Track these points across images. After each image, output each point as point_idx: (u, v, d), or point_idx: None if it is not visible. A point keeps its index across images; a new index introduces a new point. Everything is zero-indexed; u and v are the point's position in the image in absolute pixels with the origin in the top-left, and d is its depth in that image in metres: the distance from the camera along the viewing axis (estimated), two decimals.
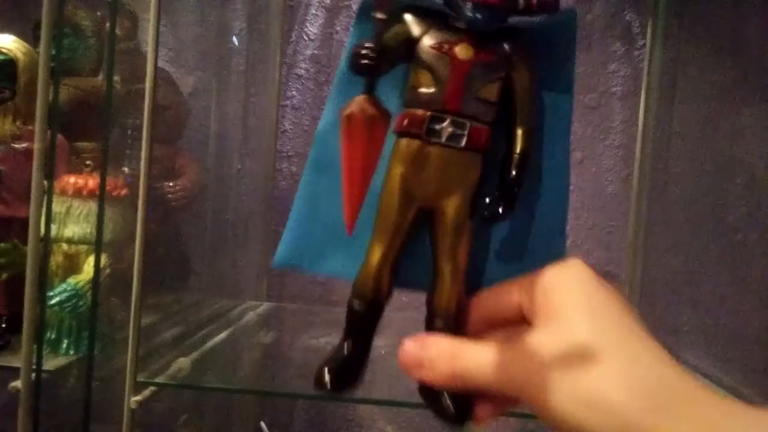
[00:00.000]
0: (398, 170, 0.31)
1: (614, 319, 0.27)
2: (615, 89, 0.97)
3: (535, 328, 0.28)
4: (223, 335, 0.79)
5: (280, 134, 1.00)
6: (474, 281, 0.33)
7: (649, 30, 0.89)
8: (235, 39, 1.00)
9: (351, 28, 0.34)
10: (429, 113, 0.31)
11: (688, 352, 0.78)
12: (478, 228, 0.33)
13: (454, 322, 0.32)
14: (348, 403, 0.97)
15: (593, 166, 0.98)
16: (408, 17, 0.32)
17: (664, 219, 0.90)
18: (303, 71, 1.01)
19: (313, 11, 1.01)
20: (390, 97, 0.32)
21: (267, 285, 1.00)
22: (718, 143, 0.89)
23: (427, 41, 0.31)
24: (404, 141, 0.31)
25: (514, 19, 0.31)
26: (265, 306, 0.96)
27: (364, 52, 0.27)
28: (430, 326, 0.32)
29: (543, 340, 0.27)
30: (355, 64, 0.28)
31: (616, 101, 0.97)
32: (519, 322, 0.30)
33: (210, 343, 0.74)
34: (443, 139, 0.31)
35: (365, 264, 0.32)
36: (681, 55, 0.91)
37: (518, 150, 0.32)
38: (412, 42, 0.31)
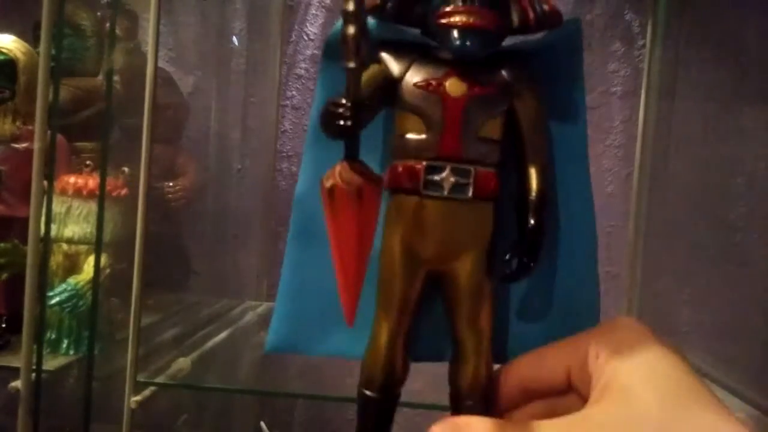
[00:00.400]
0: (396, 233, 0.27)
1: (682, 392, 0.23)
2: (615, 89, 0.97)
3: (594, 404, 0.24)
4: (223, 335, 0.79)
5: (280, 134, 1.00)
6: (499, 346, 0.29)
7: (649, 30, 0.89)
8: (235, 39, 1.00)
9: (318, 75, 0.29)
10: (424, 163, 0.26)
11: (688, 352, 0.77)
12: (497, 287, 0.28)
13: (484, 399, 0.28)
14: (348, 403, 0.96)
15: (593, 166, 0.98)
16: (384, 56, 0.27)
17: (664, 219, 0.90)
18: (303, 71, 1.01)
19: (313, 11, 1.01)
20: (372, 146, 0.28)
21: (267, 285, 1.00)
22: (718, 143, 0.89)
23: (411, 79, 0.27)
24: (399, 198, 0.27)
25: (509, 40, 0.28)
26: (265, 306, 0.96)
27: (338, 111, 0.23)
28: (457, 406, 0.28)
29: (606, 419, 0.23)
30: (328, 127, 0.24)
31: (616, 101, 0.97)
32: (562, 392, 0.26)
33: (210, 343, 0.74)
34: (445, 192, 0.26)
35: (372, 344, 0.28)
36: (681, 55, 0.91)
37: (534, 192, 0.27)
38: (393, 83, 0.27)
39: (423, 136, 0.27)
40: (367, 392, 0.28)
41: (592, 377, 0.24)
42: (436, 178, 0.26)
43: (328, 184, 0.23)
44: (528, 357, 0.28)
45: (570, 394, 0.26)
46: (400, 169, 0.27)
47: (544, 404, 0.27)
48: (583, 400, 0.25)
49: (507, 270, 0.28)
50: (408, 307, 0.27)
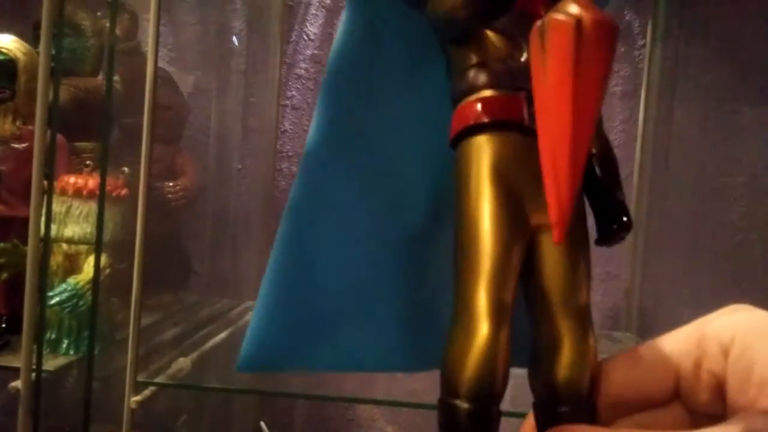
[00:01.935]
0: (494, 184, 0.20)
1: None
2: (615, 89, 0.97)
3: (758, 406, 0.18)
4: (223, 335, 0.79)
5: (280, 134, 1.00)
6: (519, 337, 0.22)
7: (649, 30, 0.89)
8: (235, 39, 1.00)
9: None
10: (523, 92, 0.21)
11: None
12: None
13: (587, 403, 0.21)
14: (348, 403, 0.96)
15: None
16: None
17: (664, 219, 0.90)
18: (303, 71, 1.01)
19: (313, 11, 1.01)
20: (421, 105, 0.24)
21: None
22: (718, 143, 0.89)
23: None
24: (495, 139, 0.21)
25: None
26: None
27: None
28: (549, 415, 0.21)
29: None
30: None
31: (616, 101, 0.97)
32: (663, 402, 0.21)
33: (210, 343, 0.74)
34: None
35: (466, 339, 0.20)
36: (681, 55, 0.91)
37: (603, 144, 0.23)
38: None
39: (510, 62, 0.21)
40: (466, 406, 0.20)
41: (723, 377, 0.19)
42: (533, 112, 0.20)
43: (573, 16, 0.17)
44: (620, 359, 0.22)
45: (673, 405, 0.21)
46: (495, 99, 0.21)
47: (642, 419, 0.21)
48: (690, 411, 0.20)
49: (608, 235, 0.23)
50: (512, 286, 0.21)
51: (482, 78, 0.22)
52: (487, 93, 0.21)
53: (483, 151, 0.21)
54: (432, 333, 0.25)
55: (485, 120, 0.21)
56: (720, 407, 0.19)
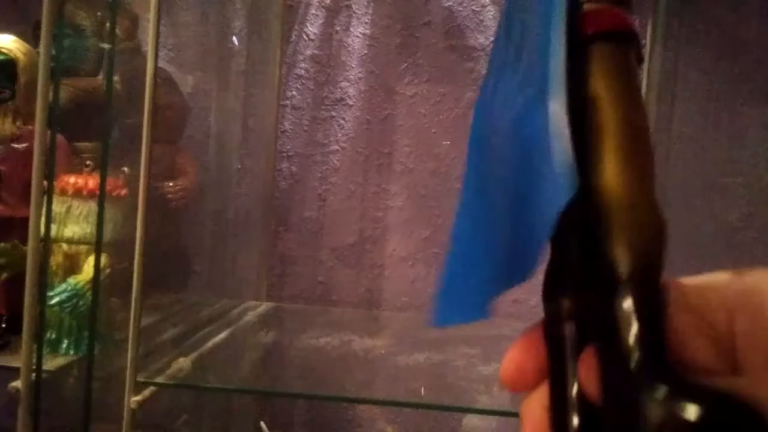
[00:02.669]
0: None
1: None
2: None
3: None
4: (223, 335, 0.79)
5: (280, 134, 1.00)
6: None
7: (649, 30, 0.89)
8: (235, 39, 1.00)
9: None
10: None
11: None
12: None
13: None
14: (348, 403, 0.97)
15: None
16: None
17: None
18: (303, 71, 1.01)
19: (313, 11, 1.01)
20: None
21: (267, 285, 1.00)
22: (718, 143, 0.89)
23: None
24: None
25: None
26: (265, 306, 0.96)
27: None
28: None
29: None
30: None
31: None
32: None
33: (210, 343, 0.74)
34: None
35: None
36: (681, 55, 0.91)
37: None
38: None
39: None
40: None
41: (731, 333, 0.16)
42: None
43: None
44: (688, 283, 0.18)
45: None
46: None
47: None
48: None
49: None
50: None
51: None
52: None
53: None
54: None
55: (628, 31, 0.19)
56: (715, 364, 0.17)
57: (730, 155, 0.88)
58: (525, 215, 0.21)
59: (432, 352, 0.78)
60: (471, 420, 0.85)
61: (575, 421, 0.18)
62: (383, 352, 0.80)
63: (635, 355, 0.16)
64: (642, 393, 0.16)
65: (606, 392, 0.17)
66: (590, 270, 0.18)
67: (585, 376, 0.17)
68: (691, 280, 0.19)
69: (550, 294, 0.19)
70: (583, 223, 0.18)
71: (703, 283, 0.19)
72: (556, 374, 0.18)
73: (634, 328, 0.16)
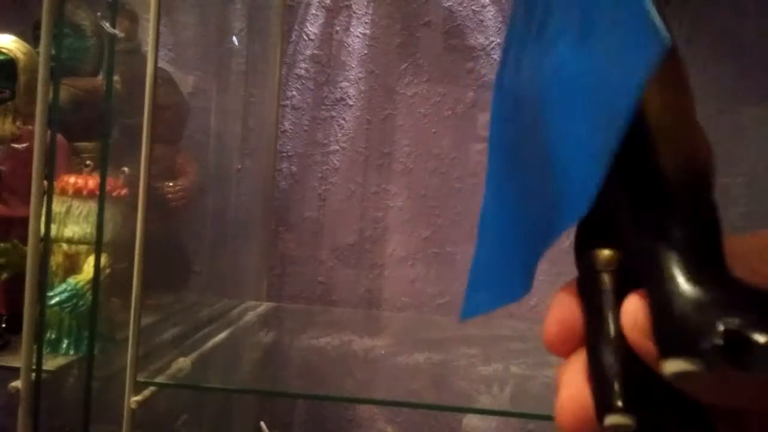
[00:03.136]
0: None
1: None
2: None
3: None
4: (223, 335, 0.79)
5: (280, 134, 1.00)
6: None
7: None
8: (235, 39, 1.00)
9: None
10: None
11: None
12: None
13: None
14: (348, 403, 0.97)
15: None
16: None
17: None
18: (303, 71, 1.01)
19: (313, 11, 1.01)
20: None
21: (267, 285, 1.00)
22: (718, 143, 0.89)
23: None
24: None
25: None
26: (265, 306, 0.96)
27: None
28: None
29: None
30: None
31: None
32: None
33: (210, 343, 0.74)
34: None
35: None
36: (681, 55, 0.91)
37: None
38: None
39: None
40: None
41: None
42: None
43: None
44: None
45: None
46: None
47: None
48: None
49: None
50: None
51: None
52: None
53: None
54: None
55: None
56: None
57: (730, 155, 0.88)
58: (563, 167, 0.20)
59: (432, 352, 0.78)
60: (471, 420, 0.85)
61: (617, 378, 0.16)
62: (383, 352, 0.80)
63: (697, 262, 0.15)
64: (706, 299, 0.14)
65: (659, 329, 0.15)
66: (636, 198, 0.17)
67: (629, 322, 0.16)
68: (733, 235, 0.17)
69: (584, 246, 0.19)
70: (625, 151, 0.17)
71: (745, 235, 0.18)
72: (595, 331, 0.17)
73: (696, 234, 0.15)
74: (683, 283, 0.15)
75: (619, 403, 0.15)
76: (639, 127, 0.17)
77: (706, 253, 0.15)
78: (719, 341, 0.13)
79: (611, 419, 0.15)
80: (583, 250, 0.19)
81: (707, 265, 0.15)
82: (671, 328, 0.14)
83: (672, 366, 0.14)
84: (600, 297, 0.17)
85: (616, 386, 0.16)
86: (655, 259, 0.15)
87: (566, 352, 0.18)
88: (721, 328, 0.14)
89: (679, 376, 0.14)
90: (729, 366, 0.13)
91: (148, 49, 0.57)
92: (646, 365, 0.15)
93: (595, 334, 0.17)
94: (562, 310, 0.18)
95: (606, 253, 0.17)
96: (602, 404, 0.16)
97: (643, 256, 0.16)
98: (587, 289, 0.18)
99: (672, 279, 0.15)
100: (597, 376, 0.16)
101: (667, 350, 0.14)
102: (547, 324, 0.18)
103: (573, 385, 0.17)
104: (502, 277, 0.23)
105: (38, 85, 0.56)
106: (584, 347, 0.17)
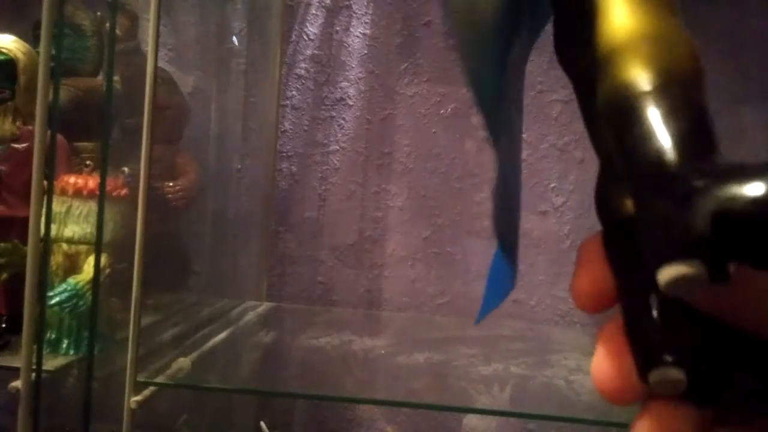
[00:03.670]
0: None
1: None
2: None
3: None
4: (223, 335, 0.79)
5: (280, 134, 1.00)
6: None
7: None
8: (235, 39, 1.00)
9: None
10: None
11: None
12: None
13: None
14: (348, 403, 0.97)
15: (593, 166, 0.98)
16: None
17: None
18: (303, 71, 1.01)
19: (313, 11, 1.01)
20: None
21: (267, 285, 1.00)
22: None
23: None
24: None
25: None
26: (265, 306, 0.96)
27: None
28: None
29: None
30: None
31: None
32: None
33: (210, 343, 0.74)
34: None
35: None
36: None
37: None
38: None
39: None
40: None
41: None
42: None
43: None
44: None
45: None
46: None
47: None
48: None
49: None
50: None
51: None
52: None
53: None
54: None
55: None
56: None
57: (730, 155, 0.88)
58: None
59: (432, 352, 0.78)
60: (471, 420, 0.85)
61: (660, 331, 0.14)
62: (383, 352, 0.80)
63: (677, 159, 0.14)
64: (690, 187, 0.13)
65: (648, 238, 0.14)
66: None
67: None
68: None
69: (605, 198, 0.18)
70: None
71: None
72: (629, 285, 0.16)
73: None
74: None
75: (668, 357, 0.14)
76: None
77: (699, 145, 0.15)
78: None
79: (658, 375, 0.14)
80: (605, 201, 0.17)
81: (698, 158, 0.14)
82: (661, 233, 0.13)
83: (668, 273, 0.13)
84: (629, 249, 0.16)
85: (660, 339, 0.14)
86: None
87: (599, 309, 0.17)
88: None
89: (677, 283, 0.13)
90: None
91: (148, 49, 0.57)
92: (688, 316, 0.14)
93: (628, 287, 0.16)
94: (591, 267, 0.17)
95: (629, 202, 0.16)
96: (646, 360, 0.14)
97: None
98: (613, 242, 0.17)
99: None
100: (637, 331, 0.15)
101: (660, 257, 0.13)
102: (576, 284, 0.17)
103: (610, 344, 0.15)
104: (503, 274, 0.23)
105: (38, 85, 0.56)
106: (617, 303, 0.16)
